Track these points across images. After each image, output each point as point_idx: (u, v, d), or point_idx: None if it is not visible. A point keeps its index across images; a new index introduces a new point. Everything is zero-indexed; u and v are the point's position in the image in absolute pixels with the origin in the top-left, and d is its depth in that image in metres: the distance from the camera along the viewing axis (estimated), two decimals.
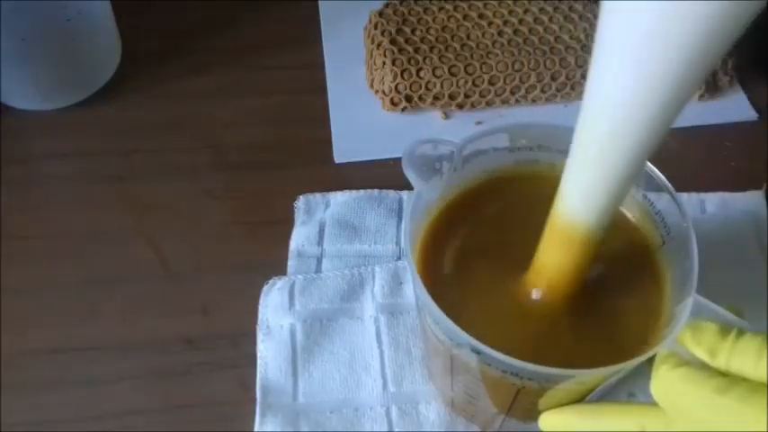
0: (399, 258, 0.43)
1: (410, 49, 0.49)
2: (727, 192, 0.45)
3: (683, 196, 0.45)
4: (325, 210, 0.45)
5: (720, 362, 0.26)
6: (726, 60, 0.50)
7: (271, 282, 0.41)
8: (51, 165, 0.48)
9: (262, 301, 0.41)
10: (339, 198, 0.45)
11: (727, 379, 0.25)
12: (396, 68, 0.49)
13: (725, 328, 0.27)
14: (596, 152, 0.27)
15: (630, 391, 0.38)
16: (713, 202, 0.45)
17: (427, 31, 0.50)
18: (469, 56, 0.49)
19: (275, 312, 0.40)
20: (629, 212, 0.35)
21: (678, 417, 0.27)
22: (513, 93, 0.50)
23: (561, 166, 0.29)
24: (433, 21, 0.51)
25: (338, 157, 0.48)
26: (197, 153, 0.48)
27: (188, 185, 0.47)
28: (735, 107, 0.51)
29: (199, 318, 0.41)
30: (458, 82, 0.49)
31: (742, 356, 0.25)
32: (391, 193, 0.45)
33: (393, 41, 0.49)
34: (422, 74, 0.49)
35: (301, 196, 0.45)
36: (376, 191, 0.45)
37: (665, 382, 0.27)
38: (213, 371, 0.39)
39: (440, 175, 0.33)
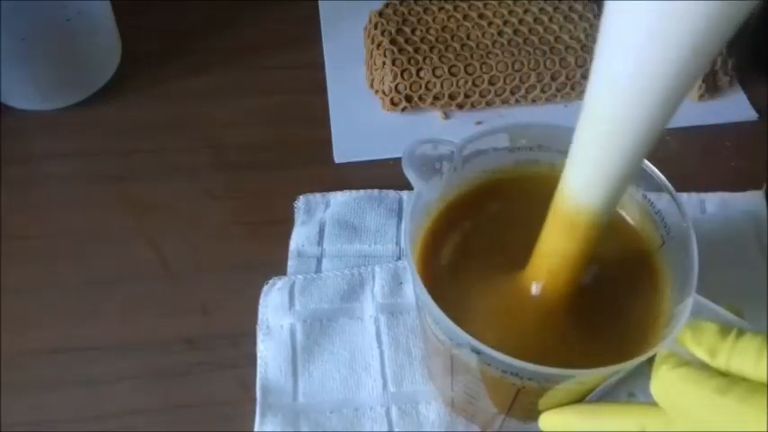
0: (399, 258, 0.43)
1: (410, 49, 0.49)
2: (727, 192, 0.45)
3: (683, 196, 0.45)
4: (325, 210, 0.45)
5: (720, 362, 0.26)
6: (726, 60, 0.50)
7: (271, 282, 0.41)
8: (51, 165, 0.48)
9: (262, 301, 0.41)
10: (339, 198, 0.45)
11: (728, 379, 0.25)
12: (396, 68, 0.49)
13: (725, 328, 0.27)
14: (604, 131, 0.26)
15: (630, 391, 0.38)
16: (713, 202, 0.45)
17: (427, 31, 0.50)
18: (469, 56, 0.49)
19: (275, 312, 0.40)
20: (629, 213, 0.35)
21: (678, 417, 0.27)
22: (513, 93, 0.50)
23: (561, 166, 0.29)
24: (433, 21, 0.51)
25: (338, 157, 0.48)
26: (197, 153, 0.48)
27: (188, 185, 0.47)
28: (735, 107, 0.51)
29: (199, 318, 0.41)
30: (458, 82, 0.49)
31: (742, 356, 0.25)
32: (391, 193, 0.45)
33: (393, 41, 0.49)
34: (422, 74, 0.49)
35: (301, 196, 0.45)
36: (376, 191, 0.45)
37: (665, 382, 0.27)
38: (213, 371, 0.39)
39: (440, 175, 0.33)
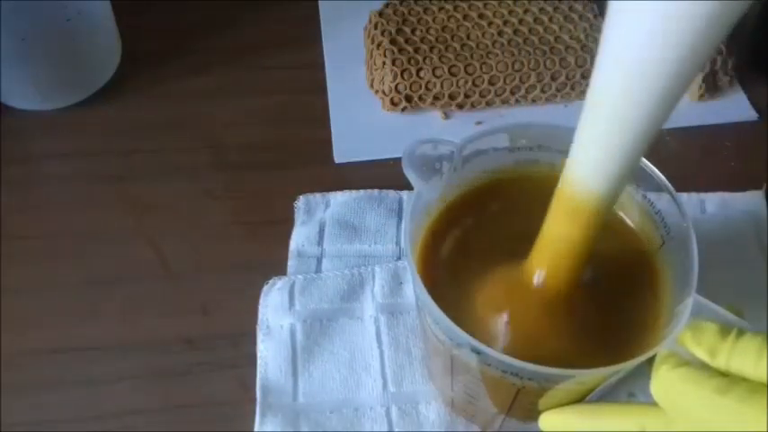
0: (399, 258, 0.43)
1: (410, 49, 0.49)
2: (727, 192, 0.45)
3: (683, 196, 0.45)
4: (325, 210, 0.45)
5: (720, 362, 0.26)
6: (726, 60, 0.50)
7: (271, 282, 0.41)
8: (51, 165, 0.48)
9: (262, 301, 0.41)
10: (339, 198, 0.45)
11: (728, 379, 0.25)
12: (396, 68, 0.49)
13: (725, 328, 0.27)
14: (608, 116, 0.26)
15: (630, 391, 0.38)
16: (713, 202, 0.45)
17: (427, 31, 0.50)
18: (469, 56, 0.49)
19: (275, 312, 0.40)
20: (629, 213, 0.35)
21: (678, 417, 0.27)
22: (513, 93, 0.50)
23: (561, 166, 0.29)
24: (433, 21, 0.51)
25: (338, 157, 0.48)
26: (197, 153, 0.48)
27: (188, 185, 0.47)
28: (735, 107, 0.51)
29: (199, 318, 0.41)
30: (458, 82, 0.49)
31: (742, 356, 0.25)
32: (391, 193, 0.45)
33: (393, 41, 0.49)
34: (422, 74, 0.49)
35: (301, 196, 0.45)
36: (376, 191, 0.45)
37: (665, 382, 0.27)
38: (213, 371, 0.39)
39: (440, 175, 0.33)
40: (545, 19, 0.51)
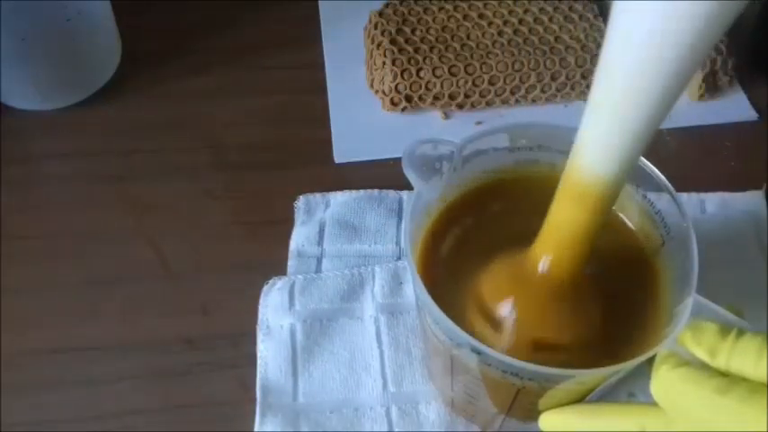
0: (399, 258, 0.43)
1: (410, 49, 0.49)
2: (727, 192, 0.45)
3: (683, 196, 0.45)
4: (326, 210, 0.45)
5: (720, 362, 0.26)
6: (726, 60, 0.50)
7: (271, 282, 0.41)
8: (51, 165, 0.48)
9: (262, 301, 0.41)
10: (339, 198, 0.45)
11: (728, 379, 0.25)
12: (396, 68, 0.49)
13: (725, 328, 0.26)
14: (618, 97, 0.25)
15: (630, 391, 0.38)
16: (713, 202, 0.45)
17: (427, 31, 0.50)
18: (469, 56, 0.49)
19: (275, 312, 0.40)
20: (629, 213, 0.35)
21: (678, 417, 0.27)
22: (513, 93, 0.50)
23: (561, 166, 0.29)
24: (433, 21, 0.51)
25: (338, 157, 0.48)
26: (197, 153, 0.48)
27: (188, 185, 0.47)
28: (735, 107, 0.51)
29: (199, 318, 0.41)
30: (458, 82, 0.49)
31: (742, 356, 0.25)
32: (391, 193, 0.45)
33: (393, 41, 0.49)
34: (422, 74, 0.49)
35: (301, 196, 0.45)
36: (376, 191, 0.45)
37: (665, 382, 0.27)
38: (213, 371, 0.39)
39: (440, 175, 0.33)
40: (545, 19, 0.51)
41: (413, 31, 0.50)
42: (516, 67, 0.49)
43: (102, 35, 0.50)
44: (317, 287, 0.41)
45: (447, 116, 0.50)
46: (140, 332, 0.41)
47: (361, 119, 0.50)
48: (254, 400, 0.38)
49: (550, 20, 0.51)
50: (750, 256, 0.43)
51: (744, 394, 0.25)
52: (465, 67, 0.49)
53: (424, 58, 0.49)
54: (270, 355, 0.39)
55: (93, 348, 0.40)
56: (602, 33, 0.50)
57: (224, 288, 0.42)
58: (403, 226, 0.44)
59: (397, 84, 0.49)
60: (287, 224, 0.44)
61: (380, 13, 0.51)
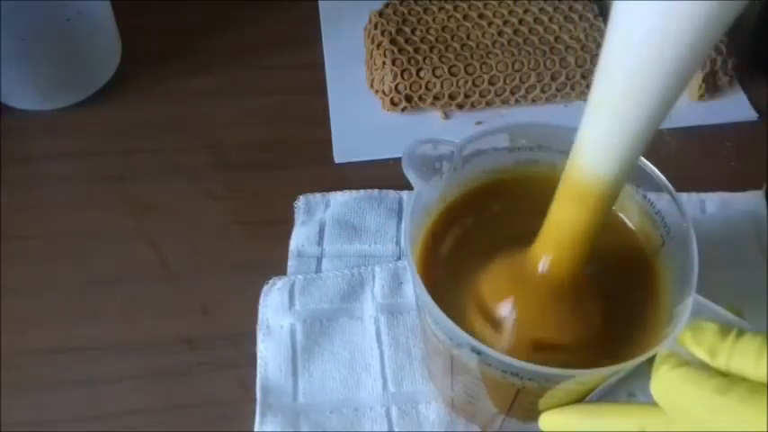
0: (399, 258, 0.43)
1: (410, 49, 0.49)
2: (727, 192, 0.45)
3: (683, 196, 0.45)
4: (326, 210, 0.45)
5: (720, 362, 0.26)
6: (726, 60, 0.50)
7: (271, 282, 0.41)
8: (51, 165, 0.48)
9: (262, 301, 0.41)
10: (339, 198, 0.45)
11: (728, 379, 0.25)
12: (396, 68, 0.49)
13: (725, 328, 0.26)
14: (618, 97, 0.25)
15: (630, 391, 0.38)
16: (713, 202, 0.45)
17: (427, 31, 0.50)
18: (469, 56, 0.49)
19: (275, 312, 0.40)
20: (629, 213, 0.35)
21: (678, 417, 0.27)
22: (513, 93, 0.50)
23: (561, 166, 0.29)
24: (433, 21, 0.51)
25: (338, 157, 0.48)
26: (197, 153, 0.48)
27: (188, 185, 0.47)
28: (735, 107, 0.51)
29: (199, 318, 0.41)
30: (458, 82, 0.49)
31: (742, 356, 0.25)
32: (391, 193, 0.45)
33: (393, 41, 0.49)
34: (422, 74, 0.49)
35: (301, 196, 0.45)
36: (376, 191, 0.45)
37: (665, 382, 0.27)
38: (213, 371, 0.39)
39: (440, 175, 0.33)
40: (545, 19, 0.51)
41: (413, 31, 0.50)
42: (516, 67, 0.49)
43: (102, 35, 0.50)
44: (317, 287, 0.41)
45: (447, 116, 0.50)
46: (140, 332, 0.41)
47: (361, 119, 0.50)
48: (254, 400, 0.38)
49: (550, 20, 0.51)
50: (750, 256, 0.43)
51: (744, 394, 0.25)
52: (465, 67, 0.49)
53: (424, 58, 0.49)
54: (270, 355, 0.39)
55: (93, 348, 0.40)
56: (602, 33, 0.50)
57: (224, 288, 0.42)
58: (403, 226, 0.44)
59: (397, 84, 0.49)
60: (287, 224, 0.44)
61: (380, 13, 0.51)
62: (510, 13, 0.51)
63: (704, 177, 0.46)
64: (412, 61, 0.49)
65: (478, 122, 0.50)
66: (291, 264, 0.43)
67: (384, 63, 0.49)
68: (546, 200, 0.30)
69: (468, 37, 0.50)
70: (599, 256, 0.31)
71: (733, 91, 0.51)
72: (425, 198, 0.33)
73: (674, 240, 0.33)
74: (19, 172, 0.47)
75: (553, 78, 0.49)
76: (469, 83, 0.49)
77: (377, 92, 0.50)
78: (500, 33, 0.50)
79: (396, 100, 0.49)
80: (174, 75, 0.52)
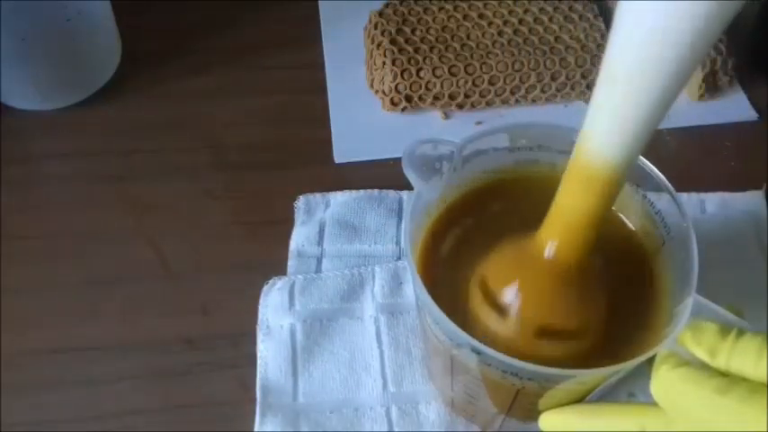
0: (399, 258, 0.43)
1: (410, 49, 0.49)
2: (727, 192, 0.45)
3: (683, 196, 0.45)
4: (326, 210, 0.45)
5: (720, 362, 0.26)
6: (726, 60, 0.50)
7: (271, 282, 0.41)
8: (51, 165, 0.48)
9: (262, 301, 0.41)
10: (339, 198, 0.45)
11: (728, 379, 0.25)
12: (396, 68, 0.49)
13: (725, 328, 0.27)
14: (625, 84, 0.25)
15: (630, 391, 0.38)
16: (713, 202, 0.45)
17: (427, 31, 0.50)
18: (469, 56, 0.49)
19: (275, 312, 0.40)
20: (629, 213, 0.35)
21: (678, 417, 0.27)
22: (513, 93, 0.50)
23: (561, 166, 0.29)
24: (433, 21, 0.51)
25: (338, 157, 0.48)
26: (197, 153, 0.48)
27: (188, 185, 0.47)
28: (735, 107, 0.51)
29: (199, 318, 0.41)
30: (458, 82, 0.49)
31: (742, 356, 0.25)
32: (391, 193, 0.45)
33: (393, 41, 0.49)
34: (422, 74, 0.49)
35: (301, 196, 0.45)
36: (376, 191, 0.45)
37: (665, 382, 0.27)
38: (213, 371, 0.39)
39: (440, 175, 0.33)
40: (545, 19, 0.51)
41: (413, 31, 0.50)
42: (516, 67, 0.49)
43: (102, 35, 0.50)
44: (317, 287, 0.41)
45: (447, 116, 0.50)
46: (140, 332, 0.41)
47: (361, 119, 0.50)
48: (254, 400, 0.38)
49: (550, 20, 0.51)
50: (750, 256, 0.43)
51: (744, 394, 0.25)
52: (465, 67, 0.49)
53: (424, 58, 0.49)
54: (270, 355, 0.39)
55: (93, 348, 0.40)
56: (602, 33, 0.50)
57: (224, 288, 0.42)
58: (403, 226, 0.44)
59: (397, 84, 0.49)
60: (287, 224, 0.44)
61: (380, 13, 0.51)
62: (510, 13, 0.51)
63: (704, 177, 0.46)
64: (412, 61, 0.49)
65: (478, 122, 0.50)
66: (291, 264, 0.43)
67: (384, 63, 0.49)
68: (546, 200, 0.30)
69: (468, 37, 0.50)
70: (599, 255, 0.31)
71: (733, 91, 0.51)
72: (425, 198, 0.33)
73: (674, 240, 0.33)
74: (19, 172, 0.47)
75: (553, 78, 0.49)
76: (469, 83, 0.49)
77: (377, 92, 0.50)
78: (500, 33, 0.50)
79: (396, 100, 0.49)
80: (174, 75, 0.52)
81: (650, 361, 0.28)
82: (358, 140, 0.49)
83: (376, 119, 0.50)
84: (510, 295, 0.31)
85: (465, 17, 0.51)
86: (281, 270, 0.42)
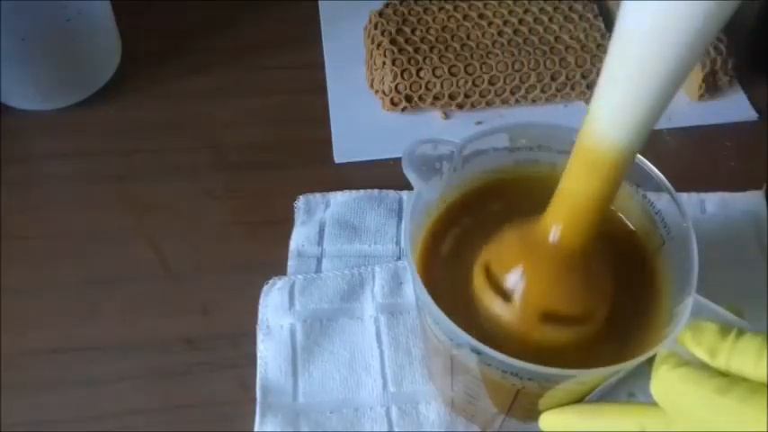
0: (399, 258, 0.43)
1: (410, 49, 0.49)
2: (727, 192, 0.45)
3: (683, 196, 0.45)
4: (326, 210, 0.45)
5: (720, 362, 0.26)
6: (726, 60, 0.50)
7: (271, 282, 0.41)
8: (51, 165, 0.48)
9: (262, 301, 0.41)
10: (339, 198, 0.45)
11: (728, 379, 0.25)
12: (396, 68, 0.49)
13: (725, 328, 0.27)
14: (633, 66, 0.25)
15: (630, 391, 0.38)
16: (713, 202, 0.45)
17: (427, 31, 0.50)
18: (469, 56, 0.49)
19: (275, 312, 0.40)
20: (629, 213, 0.35)
21: (678, 417, 0.27)
22: (513, 93, 0.50)
23: (561, 166, 0.29)
24: (433, 21, 0.51)
25: (338, 157, 0.48)
26: (197, 153, 0.48)
27: (188, 185, 0.47)
28: (735, 107, 0.51)
29: (199, 318, 0.41)
30: (458, 82, 0.49)
31: (742, 356, 0.25)
32: (391, 193, 0.45)
33: (393, 41, 0.49)
34: (422, 74, 0.49)
35: (301, 196, 0.45)
36: (376, 191, 0.45)
37: (665, 382, 0.27)
38: (213, 371, 0.39)
39: (440, 175, 0.33)
40: (545, 19, 0.51)
41: (413, 31, 0.50)
42: (516, 67, 0.49)
43: (102, 35, 0.50)
44: (317, 287, 0.41)
45: (447, 116, 0.50)
46: (140, 332, 0.41)
47: (361, 119, 0.50)
48: (254, 400, 0.38)
49: (550, 20, 0.51)
50: (750, 256, 0.43)
51: (744, 394, 0.25)
52: (465, 67, 0.49)
53: (424, 58, 0.49)
54: (270, 355, 0.39)
55: (93, 348, 0.40)
56: (602, 33, 0.50)
57: (224, 288, 0.42)
58: (403, 226, 0.44)
59: (397, 84, 0.49)
60: (287, 224, 0.44)
61: (380, 13, 0.51)
62: (510, 13, 0.51)
63: (704, 177, 0.46)
64: (412, 61, 0.49)
65: (478, 122, 0.50)
66: (291, 264, 0.43)
67: (384, 63, 0.49)
68: (546, 200, 0.30)
69: (468, 37, 0.50)
70: (599, 255, 0.31)
71: (733, 91, 0.51)
72: (425, 198, 0.33)
73: (674, 240, 0.33)
74: (19, 172, 0.47)
75: (553, 78, 0.49)
76: (469, 83, 0.49)
77: (377, 92, 0.50)
78: (500, 33, 0.50)
79: (396, 100, 0.49)
80: (174, 75, 0.52)
81: (650, 361, 0.28)
82: (358, 140, 0.49)
83: (376, 119, 0.50)
84: (514, 279, 0.31)
85: (465, 17, 0.51)
86: (281, 270, 0.42)
